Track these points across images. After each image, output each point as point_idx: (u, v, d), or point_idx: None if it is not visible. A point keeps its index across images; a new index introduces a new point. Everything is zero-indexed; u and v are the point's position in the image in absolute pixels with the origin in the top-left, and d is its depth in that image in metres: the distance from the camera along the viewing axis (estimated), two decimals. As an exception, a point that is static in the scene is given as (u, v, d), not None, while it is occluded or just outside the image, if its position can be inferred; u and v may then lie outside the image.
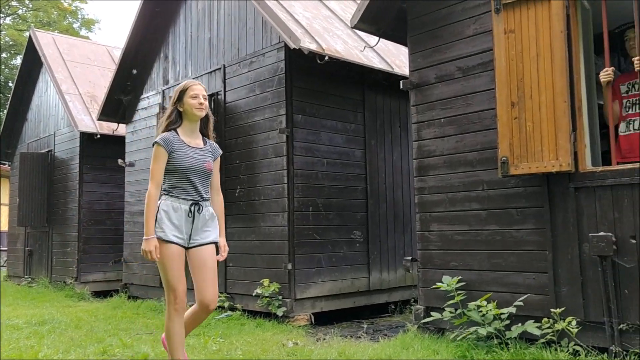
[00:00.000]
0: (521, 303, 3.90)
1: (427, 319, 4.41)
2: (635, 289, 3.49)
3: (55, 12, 25.06)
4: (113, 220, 9.64)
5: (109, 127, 9.37)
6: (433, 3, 4.77)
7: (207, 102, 3.28)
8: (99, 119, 8.83)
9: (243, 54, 6.55)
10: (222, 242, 3.39)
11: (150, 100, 8.30)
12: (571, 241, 3.80)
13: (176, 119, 3.26)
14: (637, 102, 3.77)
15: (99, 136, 9.39)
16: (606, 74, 3.75)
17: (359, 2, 6.41)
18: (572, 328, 3.58)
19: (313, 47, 5.66)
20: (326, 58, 5.71)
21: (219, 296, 6.34)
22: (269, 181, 5.99)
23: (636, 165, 3.57)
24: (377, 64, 6.46)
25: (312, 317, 5.72)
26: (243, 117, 6.42)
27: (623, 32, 4.00)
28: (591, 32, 4.26)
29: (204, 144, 3.34)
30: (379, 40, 5.65)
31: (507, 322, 3.91)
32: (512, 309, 3.89)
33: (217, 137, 6.89)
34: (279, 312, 5.55)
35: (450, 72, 4.64)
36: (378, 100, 6.77)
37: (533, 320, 3.82)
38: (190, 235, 3.21)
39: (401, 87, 4.97)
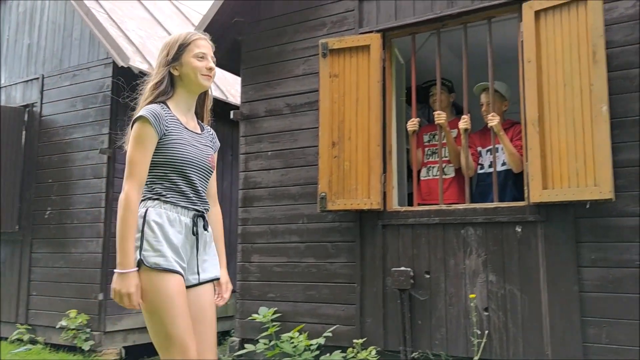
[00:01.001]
0: (330, 334, 4.07)
1: (240, 352, 4.39)
2: (427, 320, 3.85)
3: None
4: None
5: None
6: (266, 40, 4.91)
7: (215, 68, 2.20)
8: None
9: (66, 65, 6.08)
10: (225, 276, 2.28)
11: (-49, 104, 7.28)
12: (377, 275, 4.09)
13: (167, 87, 2.13)
14: (437, 151, 4.23)
15: None
16: (412, 124, 4.16)
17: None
18: (372, 357, 3.82)
19: (144, 67, 5.46)
20: (157, 80, 5.54)
21: (18, 328, 5.69)
22: (85, 204, 5.57)
23: (433, 207, 3.99)
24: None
25: (123, 350, 5.37)
26: (61, 133, 5.93)
27: (429, 87, 4.49)
28: (404, 84, 4.73)
29: (202, 130, 2.26)
30: (213, 69, 5.64)
31: (317, 352, 4.05)
32: (322, 340, 4.04)
33: (30, 152, 6.23)
34: (85, 346, 5.11)
35: (279, 108, 4.78)
36: (211, 127, 6.71)
37: (340, 350, 4.01)
38: (187, 265, 2.07)
39: (231, 117, 5.00)
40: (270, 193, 4.71)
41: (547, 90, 3.53)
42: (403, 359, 3.84)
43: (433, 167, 4.30)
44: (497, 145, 3.96)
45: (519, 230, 3.64)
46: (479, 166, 4.16)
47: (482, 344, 3.58)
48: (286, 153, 4.69)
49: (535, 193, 3.48)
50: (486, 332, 3.61)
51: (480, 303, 3.68)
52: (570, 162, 3.39)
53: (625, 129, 3.41)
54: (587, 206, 3.39)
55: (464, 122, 3.93)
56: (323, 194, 4.20)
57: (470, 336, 3.64)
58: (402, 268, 3.95)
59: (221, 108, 6.58)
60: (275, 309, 4.38)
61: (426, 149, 4.39)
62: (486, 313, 3.66)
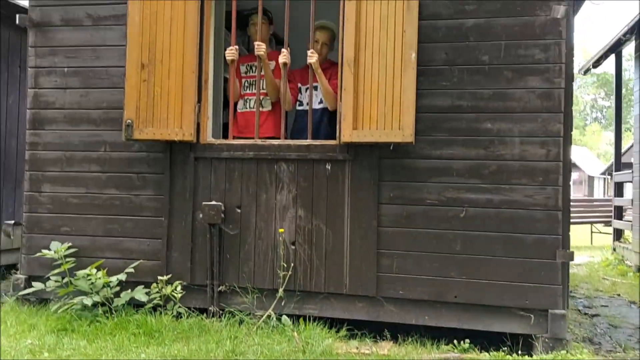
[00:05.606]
0: (132, 269, 3.84)
1: (27, 290, 3.94)
2: (235, 254, 3.84)
3: None
4: None
5: None
6: None
7: None
8: None
9: None
10: None
11: None
12: (187, 209, 3.92)
13: None
14: (254, 82, 4.09)
15: None
16: (231, 52, 3.94)
17: None
18: (177, 292, 3.71)
19: None
20: None
21: None
22: None
23: (247, 141, 3.90)
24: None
25: None
26: None
27: (250, 16, 4.28)
28: (224, 9, 4.44)
29: None
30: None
31: (117, 289, 3.81)
32: (123, 276, 3.79)
33: None
34: None
35: (79, 17, 4.17)
36: (-8, 32, 5.66)
37: (143, 286, 3.82)
38: None
39: (17, 22, 4.23)
40: (66, 115, 4.16)
41: (365, 31, 3.59)
42: (210, 292, 3.80)
43: (250, 99, 4.17)
44: (315, 84, 3.96)
45: (329, 167, 3.75)
46: (298, 102, 4.15)
47: (287, 277, 3.69)
48: (87, 71, 4.15)
49: (346, 133, 3.58)
50: (292, 265, 3.72)
51: (289, 237, 3.76)
52: (380, 104, 3.53)
53: (427, 76, 3.64)
54: (391, 148, 3.60)
55: (284, 57, 3.84)
56: (129, 120, 3.83)
57: (277, 269, 3.72)
58: (213, 202, 3.84)
59: (6, 9, 5.60)
60: (70, 243, 3.98)
61: (243, 80, 4.23)
62: (293, 247, 3.76)
